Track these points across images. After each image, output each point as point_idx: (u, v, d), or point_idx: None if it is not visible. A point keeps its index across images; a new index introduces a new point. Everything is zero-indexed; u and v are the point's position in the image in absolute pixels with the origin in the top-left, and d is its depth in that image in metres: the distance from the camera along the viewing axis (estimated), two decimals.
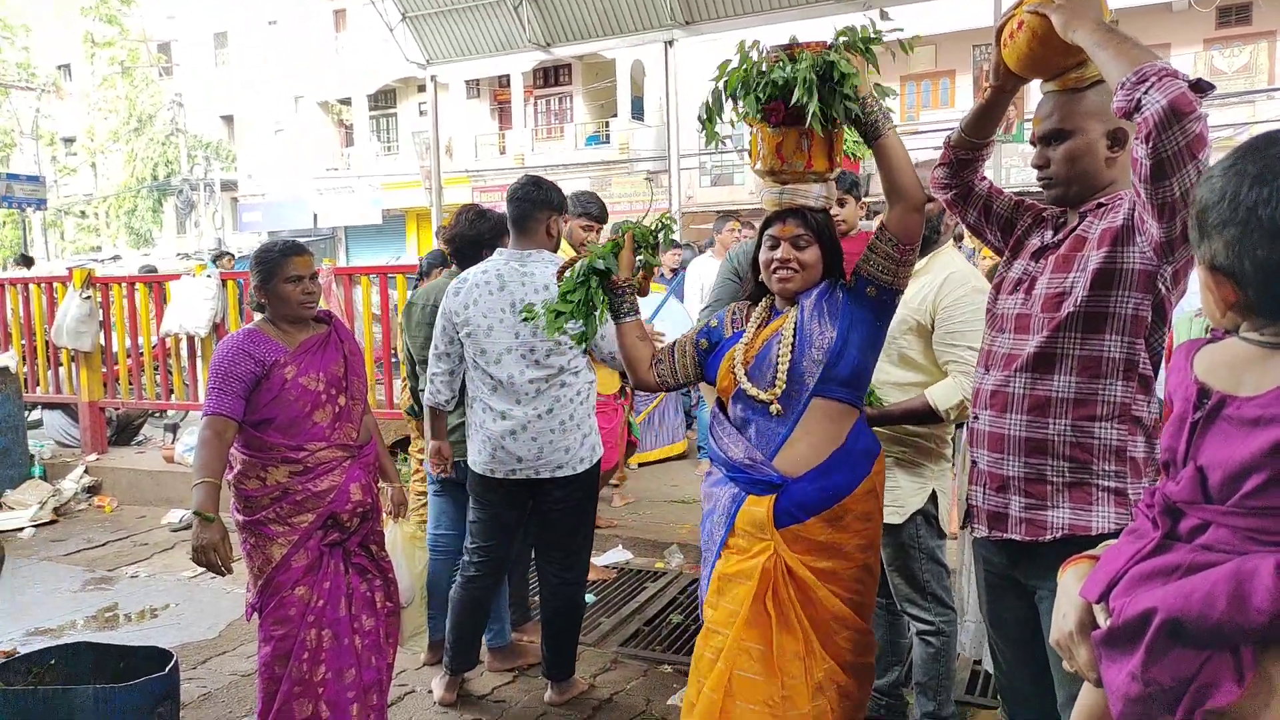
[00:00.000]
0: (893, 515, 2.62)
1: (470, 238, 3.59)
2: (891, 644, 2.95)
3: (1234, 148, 1.17)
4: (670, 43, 11.51)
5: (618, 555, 4.92)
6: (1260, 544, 1.05)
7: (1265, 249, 1.08)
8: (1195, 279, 1.26)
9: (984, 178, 2.16)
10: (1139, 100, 1.54)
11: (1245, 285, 1.12)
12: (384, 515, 3.24)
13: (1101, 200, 1.85)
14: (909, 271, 2.23)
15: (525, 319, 2.50)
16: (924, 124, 19.35)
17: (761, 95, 2.12)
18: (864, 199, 3.14)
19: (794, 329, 2.23)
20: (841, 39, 2.13)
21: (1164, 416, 1.51)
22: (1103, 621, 1.19)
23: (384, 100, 28.07)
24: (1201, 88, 1.53)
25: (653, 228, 2.46)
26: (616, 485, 5.85)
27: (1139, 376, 1.79)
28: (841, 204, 2.93)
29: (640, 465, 6.49)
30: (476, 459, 3.15)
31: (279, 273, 2.84)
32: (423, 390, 3.70)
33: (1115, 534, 1.75)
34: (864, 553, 2.24)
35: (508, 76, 24.75)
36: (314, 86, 27.86)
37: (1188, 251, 1.68)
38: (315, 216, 27.21)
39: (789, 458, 2.19)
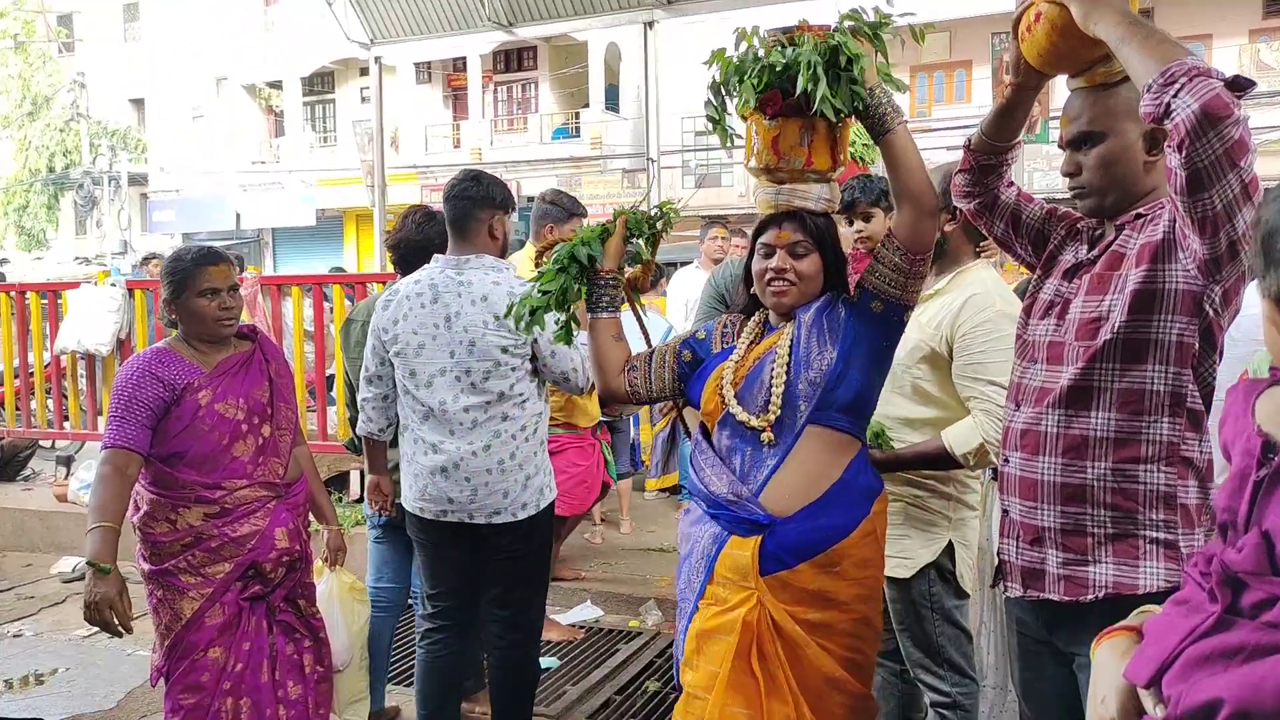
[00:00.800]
0: (899, 568, 2.62)
1: (417, 243, 3.57)
2: (904, 718, 2.93)
3: None
4: (650, 24, 11.45)
5: (586, 612, 4.89)
6: None
7: None
8: (1252, 300, 1.26)
9: (1011, 184, 2.18)
10: (1168, 105, 1.56)
11: None
12: (317, 564, 3.20)
13: (1140, 210, 1.87)
14: (919, 285, 2.24)
15: (506, 316, 2.48)
16: (937, 120, 19.62)
17: (757, 83, 2.14)
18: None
19: (789, 347, 2.23)
20: (847, 22, 2.14)
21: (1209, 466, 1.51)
22: (1153, 710, 1.17)
23: (320, 84, 28.01)
24: (1239, 86, 1.55)
25: (651, 215, 2.45)
26: (602, 523, 5.88)
27: (1187, 411, 1.80)
28: (868, 218, 2.94)
29: (662, 492, 6.53)
30: (407, 494, 3.14)
31: (191, 285, 2.80)
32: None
33: (1166, 593, 1.77)
34: (862, 604, 2.23)
35: (464, 60, 24.77)
36: (239, 67, 27.75)
37: (1237, 269, 1.69)
38: (238, 216, 27.02)
39: (779, 493, 2.19)
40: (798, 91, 2.07)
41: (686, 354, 2.42)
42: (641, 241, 2.44)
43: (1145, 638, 1.27)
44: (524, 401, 3.05)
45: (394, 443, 3.32)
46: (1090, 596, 1.84)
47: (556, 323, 2.44)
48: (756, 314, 2.39)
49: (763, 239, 2.30)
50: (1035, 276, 2.09)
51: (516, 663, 3.20)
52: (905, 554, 2.62)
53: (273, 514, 2.83)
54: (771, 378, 2.22)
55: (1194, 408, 1.80)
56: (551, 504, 3.18)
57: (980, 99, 19.71)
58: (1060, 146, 1.97)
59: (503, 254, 3.19)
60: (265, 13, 27.74)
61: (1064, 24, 1.79)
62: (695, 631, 2.24)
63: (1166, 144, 1.60)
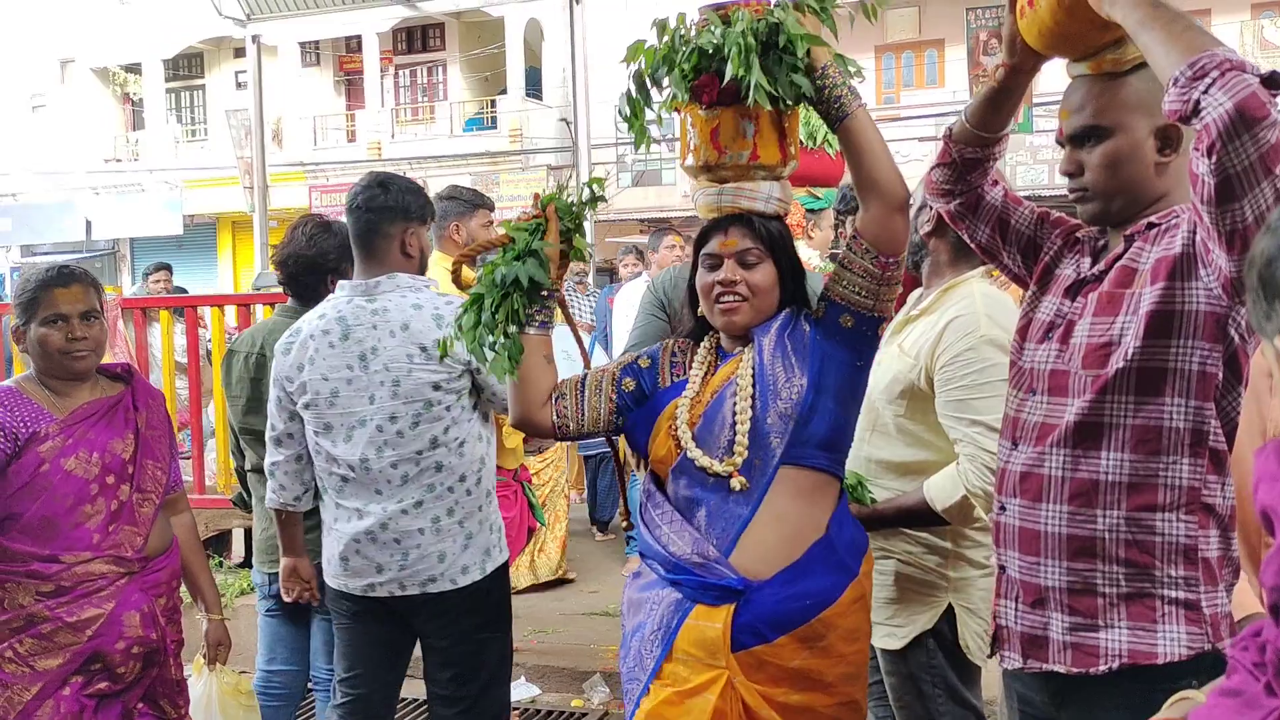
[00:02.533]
0: (889, 639, 2.58)
1: (309, 259, 3.51)
2: None
3: None
4: None
5: (521, 691, 4.83)
6: None
7: None
8: None
9: (996, 182, 2.19)
10: (1197, 102, 1.57)
11: None
12: (197, 660, 3.09)
13: (1152, 219, 1.89)
14: (893, 293, 2.22)
15: (441, 357, 2.42)
16: (905, 107, 19.96)
17: (687, 67, 2.13)
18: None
19: (752, 376, 2.20)
20: None
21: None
22: None
23: (187, 68, 27.61)
24: (1276, 83, 1.58)
25: (577, 199, 2.37)
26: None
27: (1209, 451, 1.82)
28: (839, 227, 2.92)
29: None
30: (328, 568, 3.06)
31: (35, 311, 2.70)
32: (258, 473, 3.60)
33: (1189, 661, 1.80)
34: (849, 684, 2.22)
35: (358, 39, 24.58)
36: (89, 48, 27.23)
37: None
38: (89, 225, 26.44)
39: (753, 552, 2.15)
40: (727, 78, 2.07)
41: (629, 382, 2.36)
42: (575, 235, 2.37)
43: None
44: (460, 446, 2.97)
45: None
46: (1103, 667, 1.84)
47: (493, 348, 2.33)
48: (706, 339, 2.35)
49: (706, 249, 2.26)
50: (1030, 293, 2.10)
51: None
52: (895, 620, 2.58)
53: (121, 594, 2.71)
54: (735, 413, 2.18)
55: (1216, 447, 1.82)
56: (503, 566, 3.11)
57: (954, 83, 20.09)
58: (1059, 142, 1.99)
59: (421, 271, 3.12)
60: None
61: (1072, 1, 1.81)
62: (645, 715, 2.19)
63: (1194, 146, 1.61)
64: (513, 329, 2.29)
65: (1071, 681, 1.89)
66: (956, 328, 2.50)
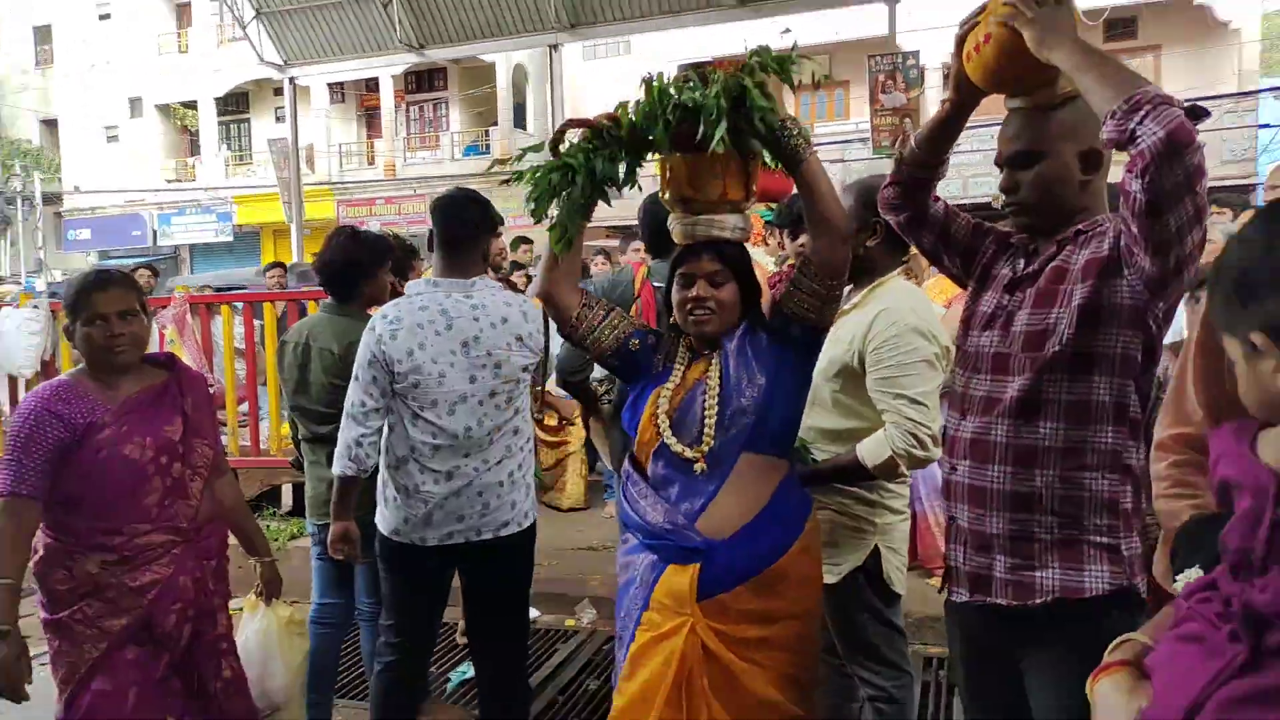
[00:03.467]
0: (828, 574, 2.52)
1: (344, 264, 3.36)
2: (838, 707, 2.86)
3: (1253, 213, 1.15)
4: (555, 46, 11.41)
5: None
6: None
7: None
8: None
9: (938, 199, 2.13)
10: (1133, 131, 1.52)
11: None
12: (250, 598, 2.94)
13: (1080, 227, 1.83)
14: (836, 308, 2.21)
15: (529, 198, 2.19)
16: (818, 135, 19.85)
17: (672, 118, 2.08)
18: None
19: (719, 378, 2.17)
20: (755, 59, 2.10)
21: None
22: None
23: (235, 104, 27.01)
24: (1198, 114, 1.52)
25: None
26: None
27: (1129, 421, 1.77)
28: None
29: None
30: (402, 527, 2.83)
31: (80, 311, 2.47)
32: (309, 443, 3.45)
33: (1110, 595, 1.74)
34: (800, 621, 2.17)
35: (376, 80, 24.21)
36: (153, 88, 26.59)
37: (1179, 286, 1.66)
38: (154, 234, 25.90)
39: (715, 519, 2.13)
40: (699, 135, 2.03)
41: (635, 343, 2.33)
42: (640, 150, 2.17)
43: (1158, 677, 1.19)
44: (525, 414, 2.94)
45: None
46: (1039, 600, 1.78)
47: (556, 215, 2.20)
48: (683, 336, 2.31)
49: (682, 269, 2.24)
50: (971, 289, 2.03)
51: (524, 676, 3.04)
52: (833, 560, 2.53)
53: (178, 561, 2.52)
54: (704, 410, 2.16)
55: (1135, 417, 1.77)
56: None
57: (857, 115, 20.08)
58: (997, 164, 1.92)
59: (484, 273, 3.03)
60: (178, 35, 26.63)
61: (1014, 47, 1.73)
62: (630, 656, 2.16)
63: (1127, 169, 1.55)
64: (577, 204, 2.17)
65: (1010, 612, 1.83)
66: (884, 318, 2.46)
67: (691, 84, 2.08)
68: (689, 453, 2.15)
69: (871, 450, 2.43)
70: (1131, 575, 1.76)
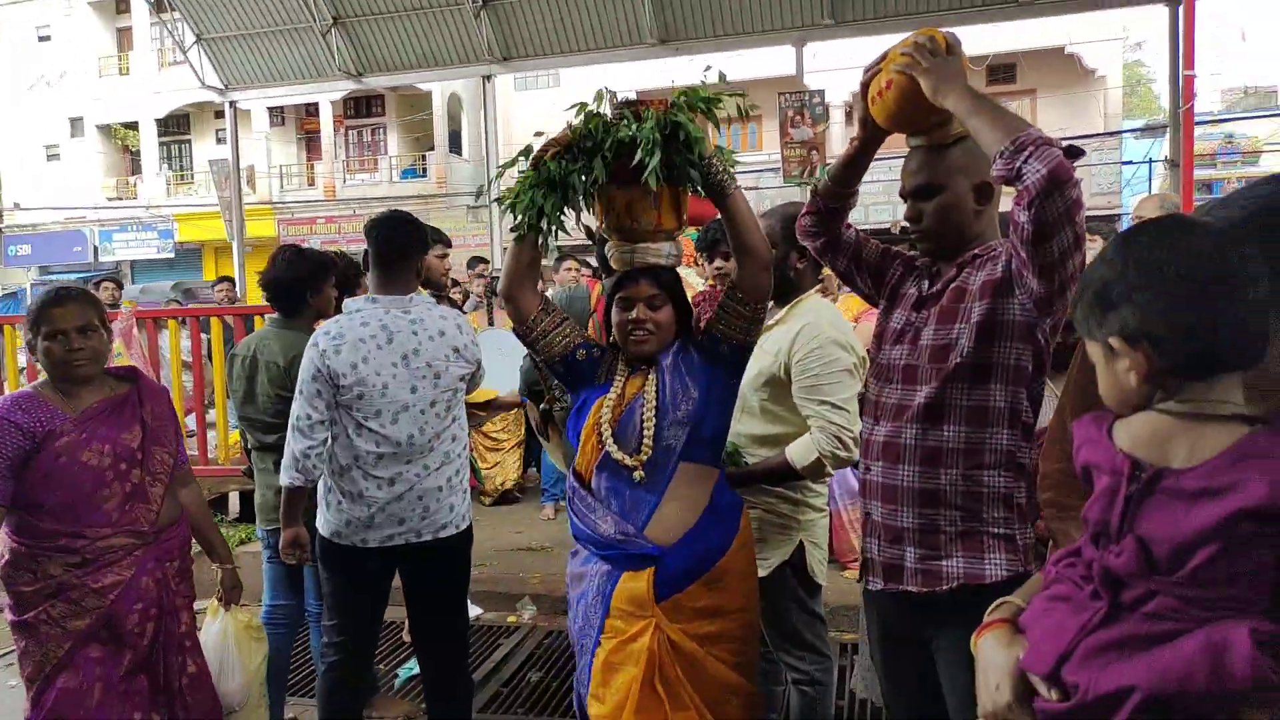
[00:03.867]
0: (760, 568, 2.55)
1: (289, 281, 3.32)
2: (766, 690, 2.92)
3: (1112, 237, 1.23)
4: (488, 77, 11.41)
5: (469, 611, 4.68)
6: (1211, 611, 1.07)
7: (1181, 304, 1.13)
8: None
9: (850, 225, 2.20)
10: (1019, 169, 1.59)
11: (1161, 347, 1.15)
12: (212, 603, 2.87)
13: (976, 251, 1.90)
14: (760, 328, 2.26)
15: (504, 206, 2.24)
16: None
17: (610, 154, 2.11)
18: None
19: (656, 393, 2.21)
20: (682, 97, 2.15)
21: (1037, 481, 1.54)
22: (1048, 694, 1.18)
23: (176, 125, 26.14)
24: (1075, 153, 1.60)
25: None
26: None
27: (1022, 424, 1.84)
28: (728, 256, 2.84)
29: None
30: (343, 530, 2.78)
31: (40, 326, 2.44)
32: (258, 451, 3.38)
33: (1008, 581, 1.81)
34: (745, 612, 2.23)
35: (316, 105, 23.70)
36: (94, 108, 25.57)
37: (1064, 304, 1.74)
38: (95, 250, 24.89)
39: (661, 525, 2.16)
40: (633, 163, 2.07)
41: (583, 353, 2.34)
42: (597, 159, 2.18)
43: (1031, 631, 1.27)
44: (461, 421, 2.93)
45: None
46: (945, 587, 1.85)
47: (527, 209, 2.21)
48: (621, 353, 2.34)
49: (621, 294, 2.27)
50: (882, 307, 2.10)
51: (465, 672, 3.00)
52: (762, 555, 2.57)
53: (139, 563, 2.48)
54: (643, 422, 2.19)
55: (1027, 420, 1.85)
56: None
57: (769, 147, 20.43)
58: (902, 196, 2.00)
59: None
60: (119, 58, 25.69)
61: (913, 93, 1.80)
62: (601, 664, 2.17)
63: (1015, 201, 1.62)
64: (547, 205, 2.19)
65: (920, 598, 1.90)
66: (807, 332, 2.52)
67: (626, 120, 2.11)
68: (629, 461, 2.17)
69: (800, 453, 2.48)
70: (1026, 563, 1.84)
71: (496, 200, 2.35)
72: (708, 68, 2.30)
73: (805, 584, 2.65)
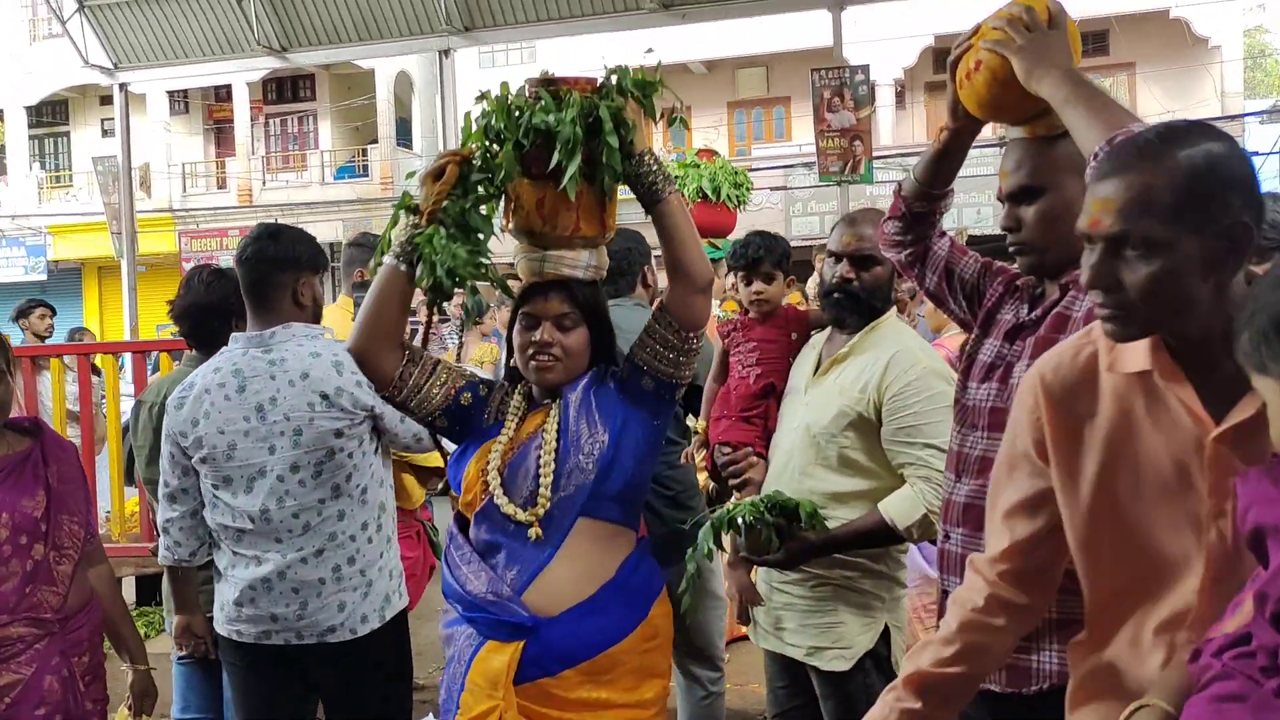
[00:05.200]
0: (837, 660, 2.60)
1: (210, 306, 3.35)
2: None
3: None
4: (446, 52, 11.38)
5: None
6: None
7: None
8: None
9: (943, 234, 2.26)
10: None
11: None
12: (121, 711, 2.89)
13: None
14: (693, 362, 2.29)
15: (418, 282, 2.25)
16: (756, 159, 20.42)
17: (526, 141, 2.15)
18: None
19: (557, 431, 2.24)
20: (613, 78, 2.20)
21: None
22: None
23: (52, 114, 26.44)
24: None
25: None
26: None
27: None
28: (769, 279, 2.94)
29: None
30: (219, 615, 2.87)
31: None
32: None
33: None
34: (640, 709, 2.25)
35: (228, 88, 23.97)
36: None
37: None
38: None
39: (545, 591, 2.20)
40: (551, 165, 2.12)
41: (466, 396, 2.36)
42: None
43: None
44: (363, 494, 2.85)
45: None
46: (1035, 687, 1.87)
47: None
48: (519, 387, 2.38)
49: (526, 308, 2.30)
50: (973, 335, 2.14)
51: None
52: (842, 643, 2.59)
53: (40, 658, 2.49)
54: (539, 466, 2.22)
55: None
56: (402, 613, 2.97)
57: (801, 137, 20.66)
58: (999, 199, 2.04)
59: (315, 320, 2.99)
60: None
61: (1005, 76, 1.85)
62: None
63: None
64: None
65: (1005, 699, 1.91)
66: (900, 361, 2.57)
67: (544, 104, 2.15)
68: (521, 515, 2.19)
69: (901, 509, 2.51)
70: None
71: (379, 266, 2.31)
72: (648, 50, 2.36)
73: (888, 680, 2.65)
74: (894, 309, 2.75)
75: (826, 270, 2.71)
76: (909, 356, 2.58)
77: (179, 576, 3.01)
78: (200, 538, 2.92)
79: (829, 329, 2.82)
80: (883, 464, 2.60)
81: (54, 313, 7.82)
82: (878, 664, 2.63)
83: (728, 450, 2.77)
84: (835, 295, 2.64)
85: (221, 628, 2.88)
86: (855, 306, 2.63)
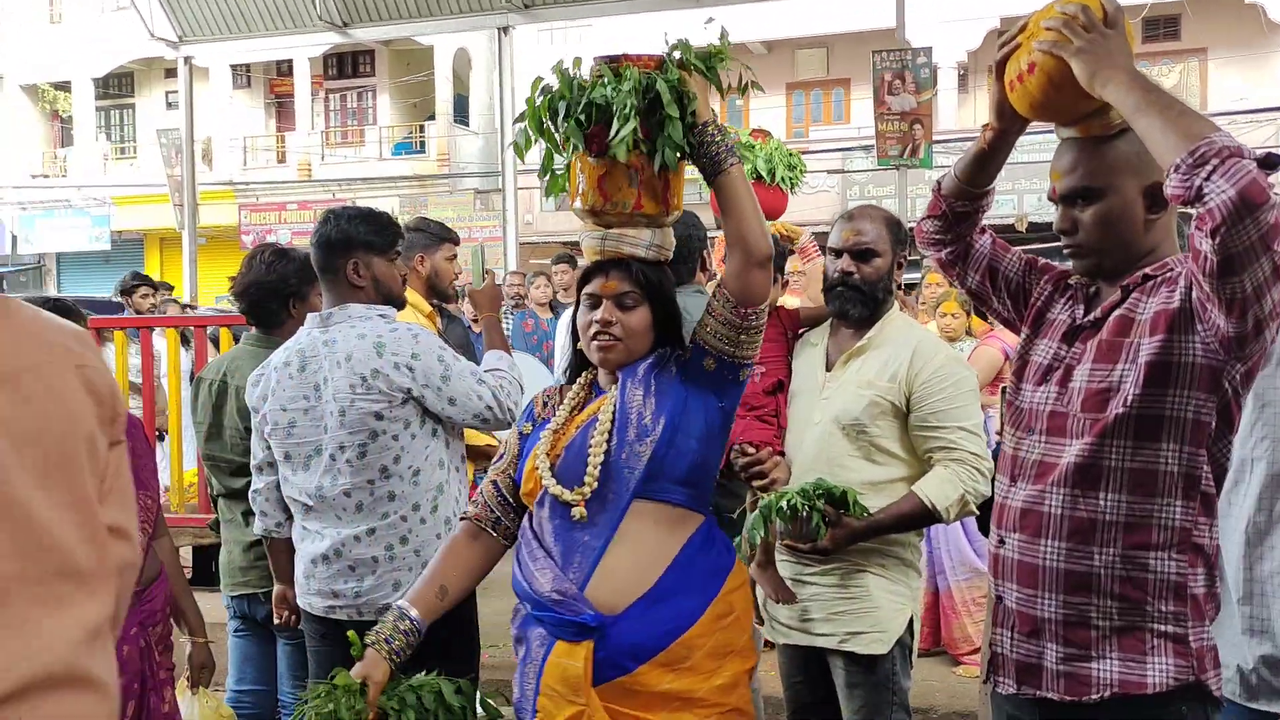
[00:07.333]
0: (875, 644, 2.63)
1: (270, 286, 3.40)
2: None
3: None
4: (505, 29, 11.41)
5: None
6: None
7: None
8: None
9: (985, 231, 2.23)
10: (1200, 188, 1.60)
11: None
12: (180, 683, 2.96)
13: (1147, 271, 1.91)
14: (756, 340, 2.27)
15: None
16: (814, 141, 20.24)
17: (584, 119, 2.16)
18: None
19: (613, 413, 2.23)
20: (675, 53, 2.20)
21: None
22: None
23: (118, 87, 26.87)
24: (1272, 164, 1.61)
25: None
26: None
27: (1200, 495, 1.85)
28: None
29: None
30: (298, 587, 3.01)
31: None
32: (224, 499, 3.47)
33: (1174, 691, 1.82)
34: (726, 694, 2.21)
35: (290, 63, 24.21)
36: (18, 65, 26.34)
37: (1260, 346, 1.75)
38: (14, 239, 25.56)
39: (608, 585, 2.17)
40: (610, 137, 2.12)
41: (527, 426, 2.43)
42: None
43: None
44: (415, 475, 2.88)
45: None
46: (1094, 696, 1.86)
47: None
48: (584, 374, 2.40)
49: (588, 288, 2.29)
50: (1024, 336, 2.13)
51: None
52: (880, 627, 2.63)
53: (120, 628, 2.58)
54: (590, 447, 2.21)
55: (1207, 491, 1.85)
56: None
57: (860, 119, 20.43)
58: (1051, 200, 2.02)
59: (384, 299, 3.00)
60: (50, 3, 26.46)
61: (1062, 79, 1.82)
62: None
63: (1196, 225, 1.64)
64: None
65: (1063, 708, 1.90)
66: (925, 349, 2.69)
67: (604, 80, 2.16)
68: (567, 495, 2.18)
69: (939, 492, 2.57)
70: (1200, 669, 1.84)
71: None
72: (709, 20, 2.34)
73: (907, 671, 2.73)
74: (896, 304, 2.83)
75: (828, 266, 2.77)
76: (931, 345, 2.74)
77: (271, 547, 3.14)
78: (286, 509, 3.04)
79: (827, 325, 2.88)
80: (910, 451, 2.69)
81: (155, 290, 7.84)
82: (903, 653, 2.68)
83: (751, 450, 2.75)
84: (838, 289, 2.72)
85: (300, 599, 3.00)
86: (858, 298, 2.71)
